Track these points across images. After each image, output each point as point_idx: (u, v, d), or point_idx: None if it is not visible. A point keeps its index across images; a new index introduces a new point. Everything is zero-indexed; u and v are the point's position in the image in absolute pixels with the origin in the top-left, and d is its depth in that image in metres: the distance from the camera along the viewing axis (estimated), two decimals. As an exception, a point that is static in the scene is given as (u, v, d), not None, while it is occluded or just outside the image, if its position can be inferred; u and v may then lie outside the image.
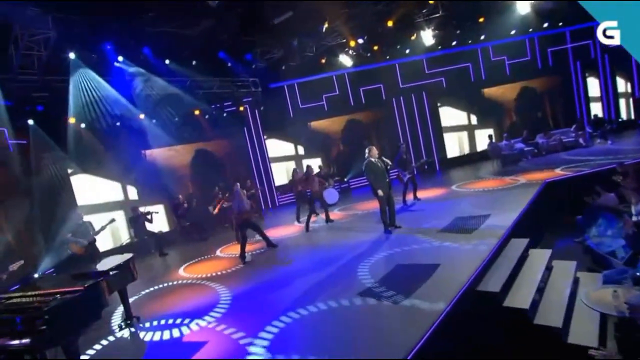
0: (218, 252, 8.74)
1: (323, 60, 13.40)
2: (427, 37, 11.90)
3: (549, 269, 5.23)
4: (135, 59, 9.75)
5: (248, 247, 8.53)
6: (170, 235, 11.56)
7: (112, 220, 8.09)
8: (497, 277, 4.63)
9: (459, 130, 15.32)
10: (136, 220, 9.93)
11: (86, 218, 8.84)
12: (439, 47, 13.70)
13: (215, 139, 13.56)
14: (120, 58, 9.43)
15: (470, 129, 15.36)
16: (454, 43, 13.82)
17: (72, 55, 8.49)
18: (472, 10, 12.02)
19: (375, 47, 13.23)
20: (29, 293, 3.67)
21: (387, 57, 14.17)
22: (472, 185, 10.32)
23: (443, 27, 12.28)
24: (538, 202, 7.60)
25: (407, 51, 13.75)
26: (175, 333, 4.72)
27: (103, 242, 10.26)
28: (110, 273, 4.25)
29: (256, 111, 14.25)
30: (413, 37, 12.51)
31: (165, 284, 7.02)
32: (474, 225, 6.52)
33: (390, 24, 11.07)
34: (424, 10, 11.37)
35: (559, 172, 9.43)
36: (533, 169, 10.70)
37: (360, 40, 11.79)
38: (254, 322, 4.48)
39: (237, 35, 10.26)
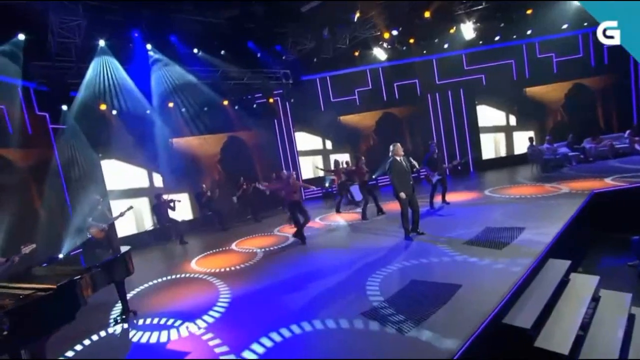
0: (233, 246, 8.58)
1: (356, 53, 12.89)
2: (468, 30, 11.01)
3: (595, 300, 4.41)
4: (163, 47, 9.70)
5: (262, 242, 8.47)
6: (192, 224, 11.69)
7: (130, 208, 8.09)
8: (529, 307, 3.87)
9: (496, 131, 14.36)
10: (159, 208, 10.15)
11: (110, 203, 8.99)
12: (480, 42, 12.83)
13: (244, 130, 13.52)
14: (148, 46, 9.41)
15: (508, 130, 14.35)
16: (496, 38, 12.86)
17: (101, 43, 8.54)
18: (519, 2, 11.04)
19: (412, 40, 12.54)
20: (11, 285, 3.53)
21: (424, 51, 13.54)
22: (507, 191, 9.52)
23: (485, 20, 11.36)
24: (583, 215, 6.78)
25: (446, 45, 12.96)
26: (163, 336, 4.48)
27: (126, 228, 10.50)
28: (93, 270, 4.00)
29: (287, 103, 14.09)
30: (452, 31, 11.70)
31: (174, 276, 6.92)
32: (506, 239, 5.84)
33: (427, 15, 10.33)
34: (465, 1, 10.54)
35: (609, 182, 8.47)
36: (578, 176, 9.74)
37: (395, 32, 11.13)
38: (242, 335, 4.15)
39: (264, 24, 9.96)
